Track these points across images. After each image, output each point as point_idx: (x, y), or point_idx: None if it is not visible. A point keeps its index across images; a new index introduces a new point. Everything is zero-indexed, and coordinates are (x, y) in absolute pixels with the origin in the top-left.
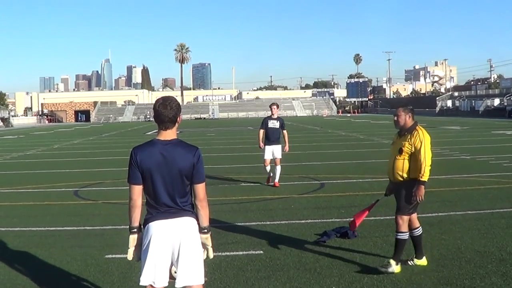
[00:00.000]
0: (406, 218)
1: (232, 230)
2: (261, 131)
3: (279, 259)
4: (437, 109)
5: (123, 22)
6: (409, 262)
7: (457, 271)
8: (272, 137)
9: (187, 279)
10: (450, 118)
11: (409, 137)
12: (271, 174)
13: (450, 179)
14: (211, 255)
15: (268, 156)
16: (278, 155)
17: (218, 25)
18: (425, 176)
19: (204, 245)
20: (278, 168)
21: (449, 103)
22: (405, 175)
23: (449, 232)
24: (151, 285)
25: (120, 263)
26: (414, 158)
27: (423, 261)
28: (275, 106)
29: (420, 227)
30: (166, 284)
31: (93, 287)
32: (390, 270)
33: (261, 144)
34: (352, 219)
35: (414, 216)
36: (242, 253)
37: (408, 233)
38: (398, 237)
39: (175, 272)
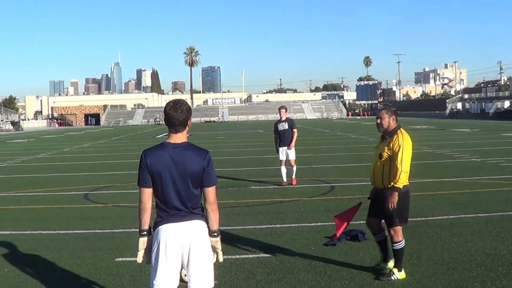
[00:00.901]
0: (397, 228)
1: (242, 233)
2: (275, 136)
3: (289, 262)
4: (447, 111)
5: (133, 26)
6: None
7: (467, 274)
8: (284, 139)
9: (198, 282)
10: (460, 121)
11: (389, 141)
12: (284, 180)
13: (460, 182)
14: (221, 258)
15: (282, 157)
16: (292, 156)
17: (228, 28)
18: (400, 182)
19: (214, 249)
20: (294, 168)
21: (459, 105)
22: (385, 182)
23: (459, 235)
24: None
25: (130, 266)
26: (393, 163)
27: (402, 274)
28: (283, 110)
29: (384, 231)
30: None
31: None
32: (393, 277)
33: (276, 150)
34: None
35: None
36: (252, 256)
37: (403, 241)
38: (394, 247)
39: (185, 275)
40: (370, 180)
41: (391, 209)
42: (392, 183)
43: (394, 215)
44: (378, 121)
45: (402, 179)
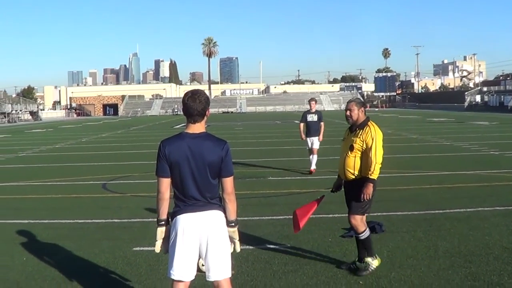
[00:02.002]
0: (359, 217)
1: (259, 223)
2: (301, 125)
3: (306, 253)
4: (466, 104)
5: (151, 16)
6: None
7: (485, 267)
8: (311, 130)
9: (215, 272)
10: (478, 113)
11: (360, 133)
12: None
13: (478, 175)
14: (238, 248)
15: (309, 146)
16: (315, 145)
17: (246, 19)
18: (375, 174)
19: (231, 239)
20: (315, 156)
21: (478, 98)
22: (356, 173)
23: (477, 228)
24: (178, 278)
25: (147, 255)
26: (366, 155)
27: (378, 261)
28: (313, 102)
29: (367, 229)
30: (193, 278)
31: (120, 279)
32: (371, 268)
33: (303, 136)
34: (291, 216)
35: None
36: (270, 247)
37: (368, 231)
38: (361, 238)
39: (203, 265)
40: (339, 172)
41: (367, 200)
42: (367, 175)
43: (360, 204)
44: (348, 113)
45: (377, 171)
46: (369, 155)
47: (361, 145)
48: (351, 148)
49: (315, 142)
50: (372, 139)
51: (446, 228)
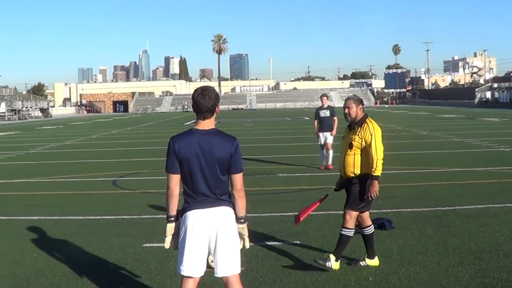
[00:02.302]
0: (354, 214)
1: (269, 220)
2: (316, 121)
3: (316, 249)
4: (476, 100)
5: (161, 13)
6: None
7: (494, 264)
8: (324, 126)
9: (224, 268)
10: (489, 110)
11: (359, 131)
12: (324, 163)
13: (488, 171)
14: (248, 245)
15: (321, 142)
16: (329, 140)
17: (256, 15)
18: (378, 170)
19: (240, 235)
20: (330, 152)
21: (488, 94)
22: (356, 171)
23: (487, 225)
24: (188, 274)
25: (157, 251)
26: (365, 152)
27: (375, 261)
28: (325, 97)
29: (372, 225)
30: (203, 274)
31: (130, 275)
32: (328, 264)
33: (316, 130)
34: (297, 213)
35: (366, 214)
36: (279, 243)
37: (353, 231)
38: (343, 232)
39: (212, 262)
40: (340, 170)
41: (374, 198)
42: (369, 172)
43: (364, 201)
44: (346, 111)
45: (380, 167)
46: (369, 152)
47: (360, 142)
48: (350, 146)
49: (328, 137)
50: (371, 135)
51: (456, 225)
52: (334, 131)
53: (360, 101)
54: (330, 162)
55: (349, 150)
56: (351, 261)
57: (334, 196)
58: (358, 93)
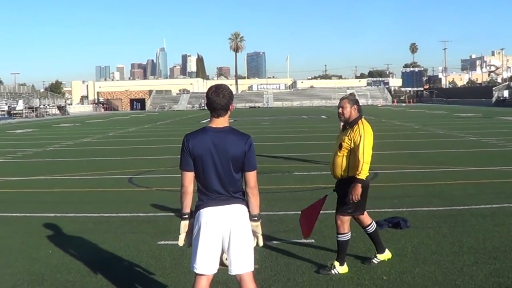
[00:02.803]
0: (345, 218)
1: (284, 218)
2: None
3: (331, 248)
4: (494, 99)
5: (178, 11)
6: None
7: (509, 263)
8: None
9: (238, 266)
10: (506, 109)
11: (349, 132)
12: None
13: (504, 171)
14: (261, 243)
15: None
16: None
17: (273, 14)
18: (363, 174)
19: (254, 233)
20: None
21: (506, 93)
22: (344, 173)
23: (502, 224)
24: (201, 272)
25: (172, 249)
26: (354, 154)
27: (387, 254)
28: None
29: (373, 222)
30: (216, 271)
31: (145, 273)
32: (333, 272)
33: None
34: (303, 220)
35: (364, 215)
36: (294, 242)
37: (349, 234)
38: (338, 239)
39: (226, 259)
40: (330, 171)
41: (356, 201)
42: (354, 175)
43: (351, 205)
44: (340, 110)
45: (365, 170)
46: (356, 153)
47: (349, 143)
48: (340, 147)
49: None
50: (360, 137)
51: (471, 224)
52: None
53: (355, 101)
54: None
55: (339, 151)
56: (365, 261)
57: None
58: (375, 91)
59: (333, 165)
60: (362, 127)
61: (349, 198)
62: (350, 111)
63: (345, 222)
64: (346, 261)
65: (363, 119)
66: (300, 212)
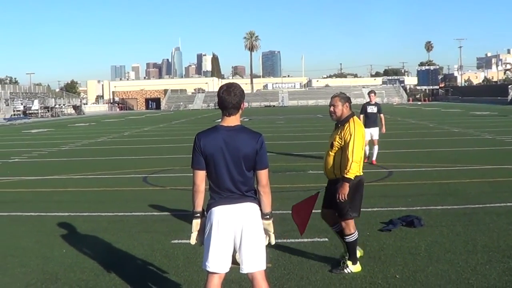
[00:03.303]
0: (350, 221)
1: None
2: (361, 116)
3: (344, 246)
4: (509, 97)
5: (193, 11)
6: (345, 270)
7: None
8: (370, 121)
9: (250, 265)
10: None
11: (340, 130)
12: (367, 154)
13: None
14: (273, 241)
15: (366, 137)
16: (375, 136)
17: (288, 12)
18: (351, 173)
19: (266, 231)
20: (376, 147)
21: None
22: (336, 172)
23: None
24: (213, 270)
25: (185, 248)
26: (344, 153)
27: (357, 267)
28: (372, 94)
29: (355, 232)
30: (228, 270)
31: (158, 271)
32: (346, 271)
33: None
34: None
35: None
36: (307, 240)
37: (356, 233)
38: (346, 240)
39: (238, 258)
40: (323, 170)
41: (342, 200)
42: (343, 174)
43: (346, 206)
44: (331, 109)
45: (353, 169)
46: (345, 152)
47: (340, 142)
48: (331, 146)
49: (374, 133)
50: (350, 136)
51: (486, 223)
52: (384, 129)
53: (346, 99)
54: (374, 158)
55: (330, 150)
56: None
57: (365, 193)
58: (391, 90)
59: (325, 164)
60: (353, 126)
61: (337, 197)
62: (342, 109)
63: (350, 223)
64: (359, 258)
65: (355, 117)
66: (291, 212)
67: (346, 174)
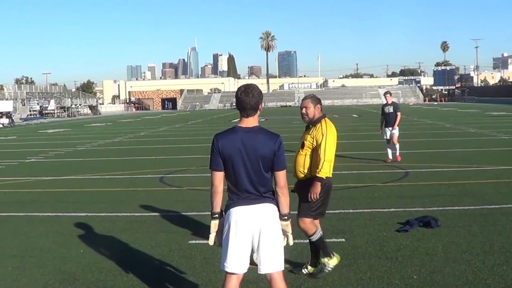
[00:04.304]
0: (308, 220)
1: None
2: (381, 118)
3: (361, 247)
4: None
5: (209, 11)
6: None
7: None
8: (389, 120)
9: (268, 265)
10: None
11: (312, 130)
12: (390, 157)
13: None
14: (291, 242)
15: (387, 136)
16: (395, 134)
17: (304, 13)
18: (323, 172)
19: (284, 232)
20: (397, 146)
21: None
22: (306, 172)
23: None
24: (232, 271)
25: (202, 248)
26: (315, 153)
27: (334, 260)
28: (388, 95)
29: (319, 229)
30: (246, 270)
31: (176, 272)
32: (327, 269)
33: (380, 130)
34: None
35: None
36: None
37: (319, 230)
38: (312, 240)
39: (256, 258)
40: (292, 171)
41: (314, 200)
42: (315, 173)
43: (310, 206)
44: (303, 110)
45: (325, 169)
46: (318, 152)
47: (312, 142)
48: (302, 146)
49: (393, 133)
50: (322, 136)
51: (502, 224)
52: (396, 125)
53: (318, 101)
54: (398, 154)
55: (301, 150)
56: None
57: (382, 194)
58: (407, 90)
59: (294, 164)
60: (325, 126)
61: (309, 196)
62: (313, 111)
63: (308, 223)
64: (376, 258)
65: (326, 118)
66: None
67: (318, 173)
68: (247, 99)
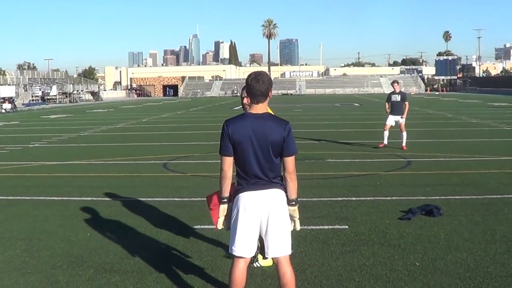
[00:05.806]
0: None
1: (318, 204)
2: (386, 104)
3: (364, 234)
4: None
5: None
6: (254, 264)
7: None
8: (395, 109)
9: (275, 249)
10: None
11: None
12: (385, 142)
13: None
14: (298, 227)
15: (389, 122)
16: (401, 122)
17: (306, 1)
18: None
19: (291, 217)
20: (404, 133)
21: None
22: None
23: None
24: (240, 254)
25: (208, 233)
26: None
27: (268, 262)
28: (396, 84)
29: None
30: (254, 254)
31: (182, 256)
32: (257, 264)
33: (387, 110)
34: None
35: None
36: (328, 227)
37: None
38: None
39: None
40: None
41: None
42: None
43: None
44: (245, 100)
45: None
46: None
47: None
48: None
49: (400, 120)
50: None
51: (504, 213)
52: (405, 115)
53: None
54: (404, 144)
55: None
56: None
57: (384, 182)
58: (408, 79)
59: None
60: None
61: None
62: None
63: None
64: (379, 245)
65: (268, 107)
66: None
67: None
68: (257, 85)
